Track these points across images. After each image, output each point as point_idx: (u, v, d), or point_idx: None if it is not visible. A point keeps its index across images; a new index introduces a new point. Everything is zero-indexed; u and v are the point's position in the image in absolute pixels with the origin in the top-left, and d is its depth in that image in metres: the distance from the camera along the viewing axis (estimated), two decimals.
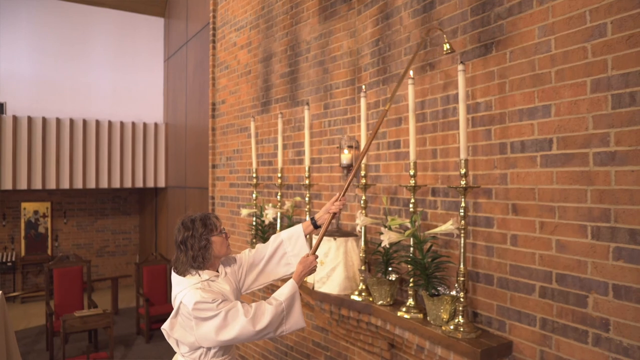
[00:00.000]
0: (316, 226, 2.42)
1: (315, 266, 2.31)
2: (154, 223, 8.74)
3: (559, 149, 1.79)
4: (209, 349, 2.19)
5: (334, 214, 2.34)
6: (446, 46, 2.20)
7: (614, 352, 1.59)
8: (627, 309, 1.56)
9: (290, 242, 2.41)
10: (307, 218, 3.32)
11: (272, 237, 2.47)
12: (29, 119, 7.13)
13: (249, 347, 4.36)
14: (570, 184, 1.75)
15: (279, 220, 3.57)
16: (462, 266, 2.07)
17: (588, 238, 1.69)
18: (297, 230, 2.41)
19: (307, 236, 2.42)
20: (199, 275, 2.19)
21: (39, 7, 7.55)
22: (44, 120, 7.23)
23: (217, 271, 2.29)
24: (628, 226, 1.56)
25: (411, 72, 2.39)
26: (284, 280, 2.38)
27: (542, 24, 1.87)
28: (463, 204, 2.07)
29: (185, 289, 2.14)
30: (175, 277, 2.25)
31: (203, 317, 2.07)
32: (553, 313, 1.80)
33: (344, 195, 2.35)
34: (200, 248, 2.18)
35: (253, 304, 2.14)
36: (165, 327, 2.23)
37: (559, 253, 1.79)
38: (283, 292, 2.20)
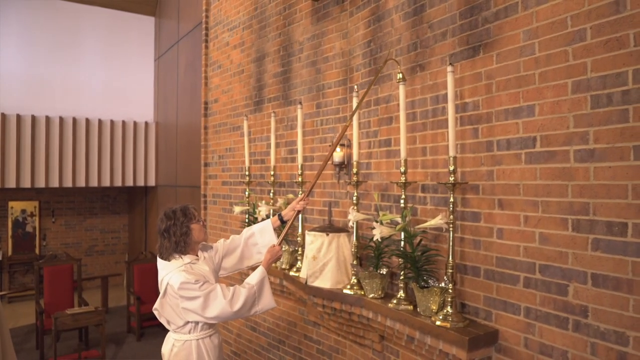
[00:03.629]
0: (282, 221, 2.84)
1: (281, 255, 2.75)
2: (143, 222, 8.74)
3: (542, 147, 1.89)
4: (196, 323, 2.53)
5: (299, 211, 2.78)
6: (399, 75, 2.45)
7: (592, 336, 1.70)
8: (604, 296, 1.66)
9: (261, 234, 2.83)
10: (300, 215, 3.40)
11: (245, 230, 2.89)
12: (18, 117, 7.09)
13: (242, 343, 4.42)
14: (553, 179, 1.85)
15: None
16: (450, 259, 2.16)
17: (569, 230, 1.79)
18: (267, 224, 2.84)
19: (275, 229, 2.84)
20: (182, 259, 2.52)
21: (29, 5, 7.50)
22: (33, 118, 7.20)
23: (197, 255, 2.63)
24: (605, 218, 1.67)
25: (400, 75, 2.47)
26: (253, 268, 2.79)
27: (527, 28, 1.97)
28: (452, 200, 2.16)
29: (171, 271, 2.47)
30: (160, 262, 2.57)
31: (188, 297, 2.40)
32: (536, 302, 1.90)
33: (307, 195, 2.76)
34: (182, 234, 2.52)
35: (231, 288, 2.47)
36: (156, 307, 2.55)
37: (542, 245, 1.89)
38: (254, 277, 2.55)
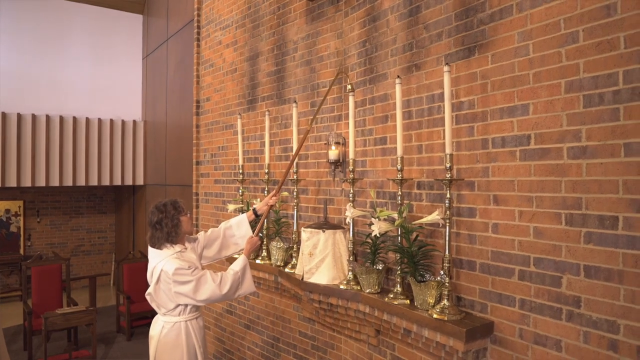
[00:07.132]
0: (257, 215, 3.18)
1: (259, 245, 3.12)
2: (131, 221, 8.66)
3: (536, 144, 1.97)
4: (185, 306, 2.78)
5: (271, 206, 3.12)
6: (348, 87, 2.82)
7: (584, 325, 1.77)
8: (596, 286, 1.74)
9: (238, 227, 3.14)
10: (295, 212, 3.44)
11: (223, 223, 3.17)
12: (3, 115, 6.97)
13: (235, 340, 4.44)
14: (547, 175, 1.93)
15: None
16: (447, 253, 2.22)
17: (562, 224, 1.86)
18: (243, 218, 3.16)
19: (251, 222, 3.15)
20: (173, 248, 2.78)
21: (16, 2, 7.38)
22: (19, 116, 7.09)
23: (185, 245, 2.89)
24: (597, 213, 1.75)
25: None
26: (230, 259, 3.09)
27: (521, 30, 2.04)
28: (448, 196, 2.22)
29: (164, 259, 2.71)
30: (152, 251, 2.80)
31: (181, 281, 2.66)
32: (531, 294, 1.97)
33: (278, 191, 3.12)
34: (173, 226, 2.78)
35: (218, 273, 2.75)
36: (150, 292, 2.78)
37: (536, 239, 1.96)
38: (238, 264, 2.83)
